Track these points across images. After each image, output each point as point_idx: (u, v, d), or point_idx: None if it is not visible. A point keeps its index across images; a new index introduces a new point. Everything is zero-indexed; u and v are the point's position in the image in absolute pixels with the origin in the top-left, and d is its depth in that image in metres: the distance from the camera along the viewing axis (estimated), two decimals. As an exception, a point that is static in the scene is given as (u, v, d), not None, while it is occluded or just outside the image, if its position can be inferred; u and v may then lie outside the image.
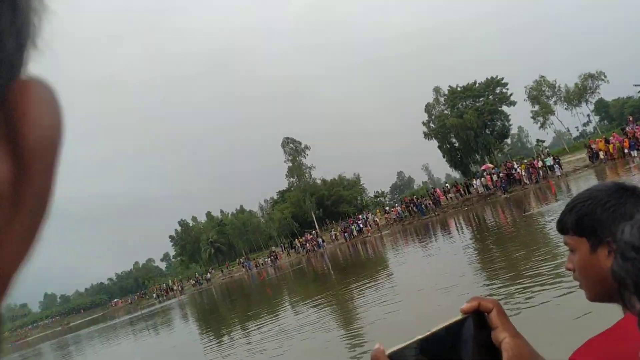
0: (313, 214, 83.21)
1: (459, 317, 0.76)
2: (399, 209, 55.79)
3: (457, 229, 29.59)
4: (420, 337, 0.73)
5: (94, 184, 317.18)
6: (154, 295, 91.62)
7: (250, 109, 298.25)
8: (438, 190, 54.53)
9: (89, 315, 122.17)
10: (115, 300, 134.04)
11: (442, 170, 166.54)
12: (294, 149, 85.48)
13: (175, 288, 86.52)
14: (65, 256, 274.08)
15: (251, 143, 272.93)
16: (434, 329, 0.74)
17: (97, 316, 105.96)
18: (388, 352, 0.70)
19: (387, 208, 63.59)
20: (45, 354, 40.37)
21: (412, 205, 53.72)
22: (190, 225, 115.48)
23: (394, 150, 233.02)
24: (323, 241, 62.85)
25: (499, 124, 73.49)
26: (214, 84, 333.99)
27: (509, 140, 69.14)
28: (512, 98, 72.18)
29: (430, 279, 14.14)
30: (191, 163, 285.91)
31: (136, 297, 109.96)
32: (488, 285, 11.60)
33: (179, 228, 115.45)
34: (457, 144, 74.50)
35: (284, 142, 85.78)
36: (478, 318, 0.76)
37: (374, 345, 0.72)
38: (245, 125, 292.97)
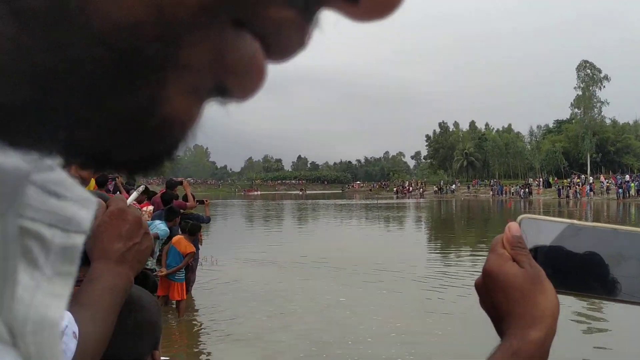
0: (589, 156, 76.42)
1: None
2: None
3: None
4: (605, 225, 0.70)
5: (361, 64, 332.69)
6: (394, 189, 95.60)
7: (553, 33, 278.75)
8: None
9: (330, 189, 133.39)
10: (358, 182, 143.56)
11: None
12: (589, 76, 77.83)
13: (417, 189, 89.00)
14: (324, 129, 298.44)
15: (543, 60, 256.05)
16: (612, 225, 0.70)
17: (336, 192, 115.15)
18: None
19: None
20: (284, 209, 45.44)
21: None
22: (450, 130, 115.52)
23: None
24: (591, 190, 57.90)
25: None
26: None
27: None
28: None
29: None
30: (472, 64, 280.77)
31: (377, 185, 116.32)
32: None
33: (437, 129, 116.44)
34: None
35: (580, 66, 78.43)
36: None
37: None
38: (546, 37, 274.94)
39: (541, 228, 0.72)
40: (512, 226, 0.74)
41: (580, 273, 0.71)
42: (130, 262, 1.07)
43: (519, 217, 0.74)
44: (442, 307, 9.26)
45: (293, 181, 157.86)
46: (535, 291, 0.70)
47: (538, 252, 0.72)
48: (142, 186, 1.93)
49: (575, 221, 0.72)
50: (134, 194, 1.33)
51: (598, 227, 0.70)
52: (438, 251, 17.70)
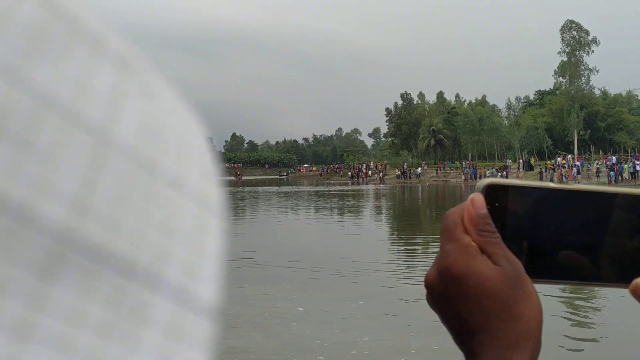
0: (576, 134, 78.27)
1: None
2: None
3: None
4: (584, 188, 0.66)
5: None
6: (349, 173, 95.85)
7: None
8: None
9: (272, 174, 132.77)
10: (305, 165, 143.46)
11: None
12: (575, 39, 79.48)
13: (376, 172, 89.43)
14: (263, 101, 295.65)
15: (523, 20, 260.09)
16: (606, 188, 0.67)
17: (277, 177, 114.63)
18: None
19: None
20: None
21: None
22: (414, 102, 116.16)
23: None
24: (579, 173, 59.43)
25: None
26: None
27: None
28: None
29: None
30: (443, 27, 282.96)
31: (328, 169, 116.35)
32: None
33: (399, 102, 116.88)
34: None
35: (565, 27, 80.00)
36: None
37: None
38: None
39: (510, 197, 0.64)
40: (476, 200, 0.63)
41: (561, 254, 0.65)
42: None
43: (481, 183, 0.64)
44: (417, 317, 9.09)
45: (226, 165, 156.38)
46: (517, 298, 0.62)
47: (507, 231, 0.64)
48: None
49: (552, 184, 0.66)
50: None
51: (588, 190, 0.65)
52: (404, 249, 17.68)
